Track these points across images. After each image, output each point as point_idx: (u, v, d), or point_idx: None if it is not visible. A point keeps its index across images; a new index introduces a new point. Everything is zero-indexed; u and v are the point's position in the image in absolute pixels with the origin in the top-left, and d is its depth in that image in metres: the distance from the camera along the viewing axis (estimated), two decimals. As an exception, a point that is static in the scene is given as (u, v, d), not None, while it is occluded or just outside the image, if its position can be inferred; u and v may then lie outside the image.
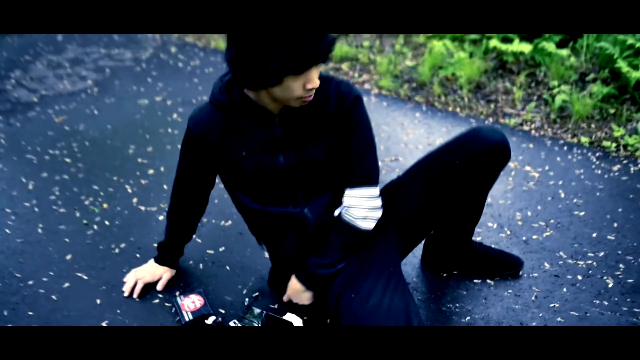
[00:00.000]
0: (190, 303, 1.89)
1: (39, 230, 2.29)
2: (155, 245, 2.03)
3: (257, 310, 1.85)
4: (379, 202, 1.69)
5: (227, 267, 2.11)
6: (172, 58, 3.84)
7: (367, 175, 1.65)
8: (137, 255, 2.15)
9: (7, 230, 2.28)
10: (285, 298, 1.85)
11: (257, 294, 1.98)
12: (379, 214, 1.70)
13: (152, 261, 2.04)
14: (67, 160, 2.76)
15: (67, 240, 2.23)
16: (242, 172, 1.68)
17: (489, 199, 2.43)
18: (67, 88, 3.43)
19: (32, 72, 3.60)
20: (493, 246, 2.17)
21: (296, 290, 1.77)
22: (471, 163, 1.68)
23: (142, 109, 3.23)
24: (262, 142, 1.62)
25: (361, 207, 1.65)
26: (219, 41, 4.15)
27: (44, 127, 3.03)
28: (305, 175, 1.69)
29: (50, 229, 2.30)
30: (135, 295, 1.96)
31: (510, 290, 1.99)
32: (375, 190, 1.67)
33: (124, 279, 2.00)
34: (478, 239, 2.23)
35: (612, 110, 3.11)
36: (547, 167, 2.71)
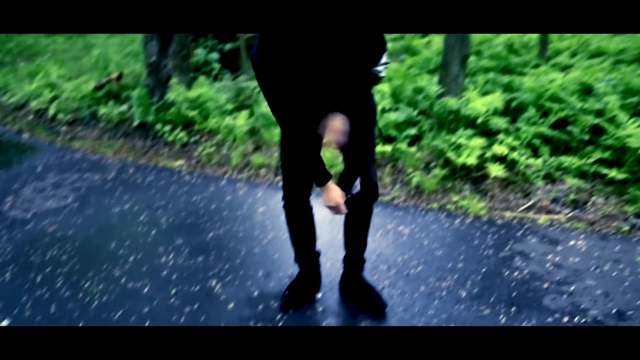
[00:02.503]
0: None
1: (52, 310, 2.38)
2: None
3: None
4: None
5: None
6: (131, 177, 3.98)
7: None
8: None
9: (27, 313, 2.36)
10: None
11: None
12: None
13: (328, 188, 1.94)
14: (64, 257, 2.85)
15: (75, 315, 2.34)
16: None
17: (378, 251, 2.80)
18: (53, 205, 3.47)
19: (23, 197, 3.59)
20: (386, 281, 2.52)
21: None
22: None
23: (116, 215, 3.34)
24: None
25: None
26: (165, 161, 4.37)
27: (41, 236, 3.06)
28: None
29: (62, 309, 2.38)
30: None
31: (401, 307, 2.33)
32: None
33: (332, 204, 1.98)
34: (374, 277, 2.57)
35: (449, 185, 3.54)
36: (413, 226, 3.06)
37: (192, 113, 4.81)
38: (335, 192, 1.93)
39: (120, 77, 6.02)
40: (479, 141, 3.67)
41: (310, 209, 2.22)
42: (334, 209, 1.96)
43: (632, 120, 3.59)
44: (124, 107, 5.36)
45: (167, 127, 4.80)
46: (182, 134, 4.72)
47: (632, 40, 5.94)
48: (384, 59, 1.78)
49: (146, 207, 3.45)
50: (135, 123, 5.07)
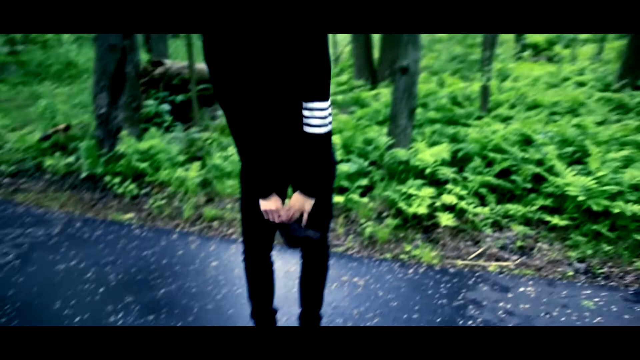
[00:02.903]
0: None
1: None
2: None
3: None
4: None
5: None
6: (78, 231, 3.83)
7: None
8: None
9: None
10: (287, 215, 1.84)
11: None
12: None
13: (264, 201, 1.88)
14: (3, 320, 2.66)
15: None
16: None
17: (334, 304, 2.78)
18: (-9, 263, 3.29)
19: (-44, 254, 3.41)
20: (342, 334, 2.48)
21: (303, 202, 1.82)
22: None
23: (61, 272, 3.16)
24: None
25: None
26: (114, 215, 4.24)
27: (-25, 297, 2.88)
28: None
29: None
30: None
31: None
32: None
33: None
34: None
35: (402, 234, 3.59)
36: (367, 277, 3.06)
37: (143, 165, 4.72)
38: (275, 199, 1.84)
39: (67, 128, 5.88)
40: (429, 191, 3.76)
41: (270, 264, 2.17)
42: (270, 213, 1.86)
43: (569, 169, 3.79)
44: (71, 159, 5.21)
45: (117, 179, 4.68)
46: (132, 186, 4.60)
47: (564, 93, 6.34)
48: (325, 108, 1.69)
49: (94, 263, 3.30)
50: (83, 175, 4.92)
